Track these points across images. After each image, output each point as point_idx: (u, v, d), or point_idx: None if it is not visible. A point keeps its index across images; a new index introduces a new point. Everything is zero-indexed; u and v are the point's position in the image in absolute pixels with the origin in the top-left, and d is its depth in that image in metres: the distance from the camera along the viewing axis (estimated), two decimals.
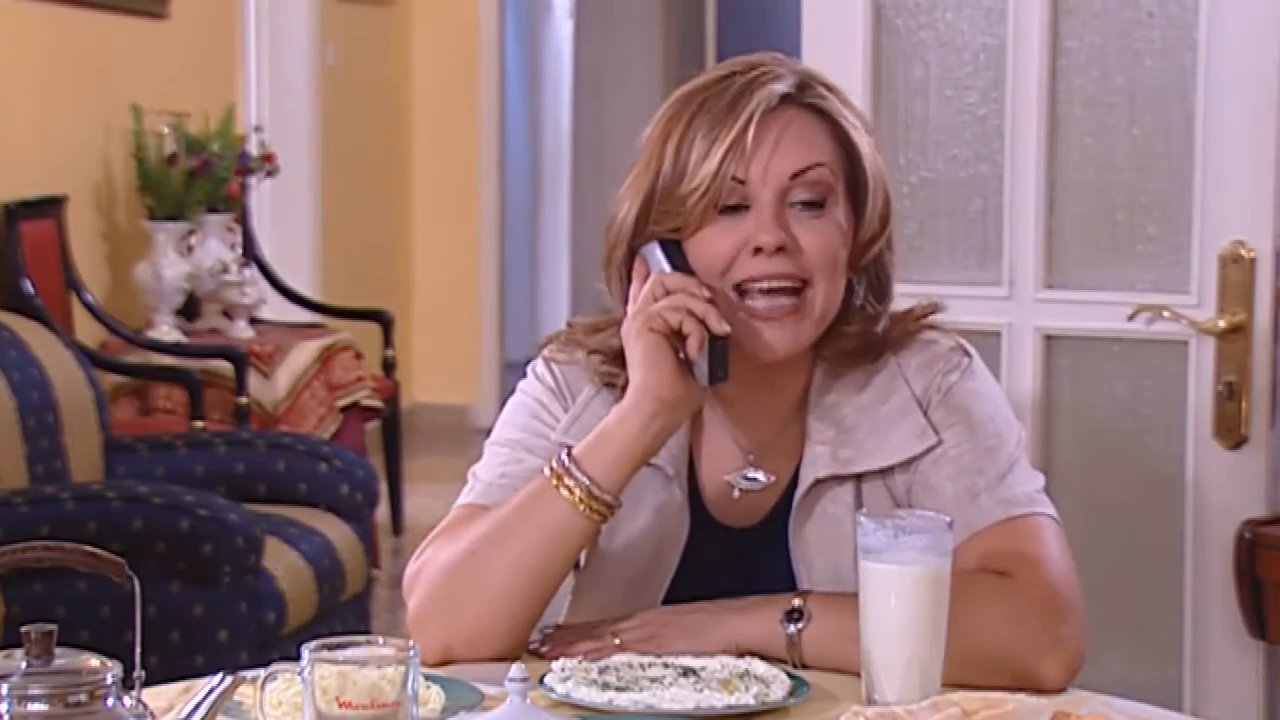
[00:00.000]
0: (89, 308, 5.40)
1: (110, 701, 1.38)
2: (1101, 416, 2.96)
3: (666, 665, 1.75)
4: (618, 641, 1.84)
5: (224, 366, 5.33)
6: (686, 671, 1.73)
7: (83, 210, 5.58)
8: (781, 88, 1.87)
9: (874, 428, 1.90)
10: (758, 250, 1.84)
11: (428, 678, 1.69)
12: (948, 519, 1.69)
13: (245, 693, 1.57)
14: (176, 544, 3.88)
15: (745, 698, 1.68)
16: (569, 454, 1.84)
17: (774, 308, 1.85)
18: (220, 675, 1.46)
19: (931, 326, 1.96)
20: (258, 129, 6.49)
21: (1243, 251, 2.79)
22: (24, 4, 5.36)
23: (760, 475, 1.93)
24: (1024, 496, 1.88)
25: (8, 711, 1.36)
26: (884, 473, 1.90)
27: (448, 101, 8.67)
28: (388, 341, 6.60)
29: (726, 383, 1.85)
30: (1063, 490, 2.90)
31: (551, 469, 1.84)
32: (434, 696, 1.67)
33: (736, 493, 1.94)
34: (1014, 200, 2.95)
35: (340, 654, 1.48)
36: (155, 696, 1.64)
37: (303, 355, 5.86)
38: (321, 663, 1.47)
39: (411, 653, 1.49)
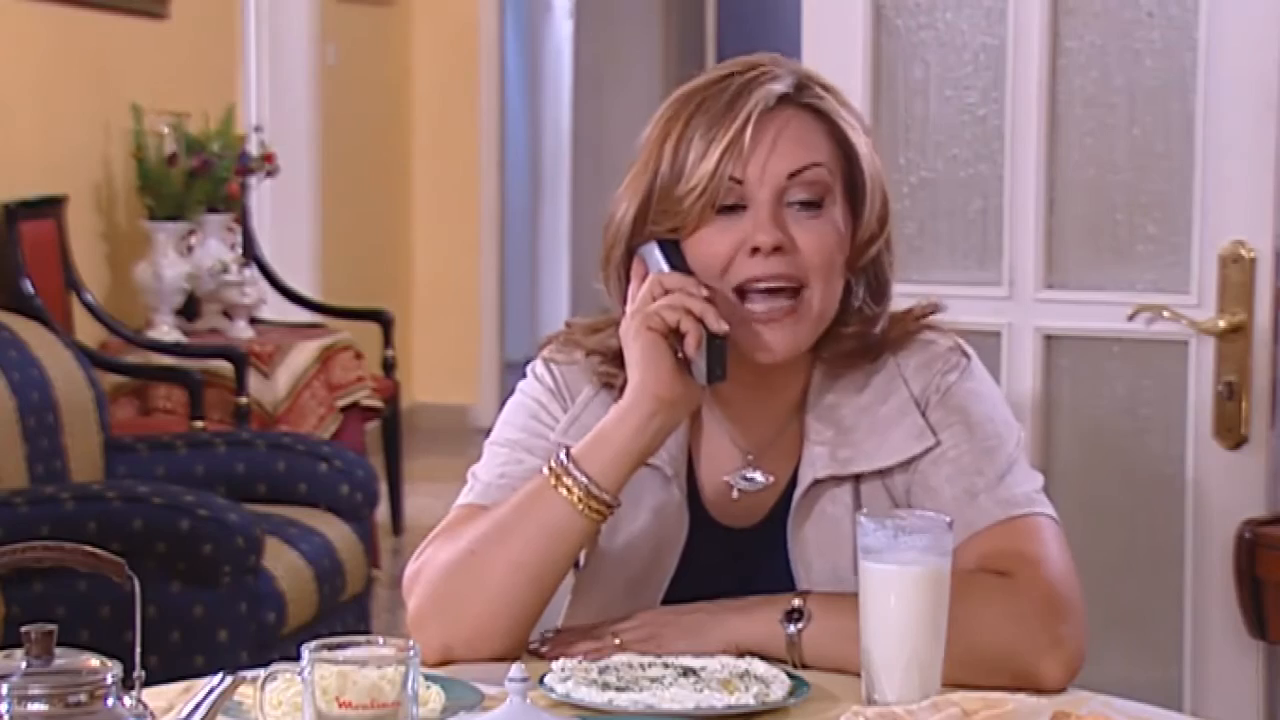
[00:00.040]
0: (89, 308, 5.40)
1: (110, 701, 1.38)
2: (1101, 416, 2.96)
3: (666, 665, 1.75)
4: (618, 642, 1.84)
5: (224, 366, 5.33)
6: (686, 671, 1.73)
7: (83, 210, 5.58)
8: (779, 88, 1.87)
9: (873, 428, 1.90)
10: (755, 250, 1.84)
11: (428, 678, 1.69)
12: (948, 519, 1.69)
13: (245, 693, 1.57)
14: (176, 544, 3.88)
15: (745, 698, 1.68)
16: (567, 453, 1.84)
17: (772, 309, 1.85)
18: (220, 675, 1.46)
19: (930, 327, 1.96)
20: (258, 129, 6.49)
21: (1243, 251, 2.79)
22: (24, 4, 5.36)
23: (759, 476, 1.93)
24: (1023, 496, 1.88)
25: (8, 711, 1.36)
26: (882, 473, 1.90)
27: (448, 101, 8.67)
28: (388, 341, 6.60)
29: (725, 383, 1.85)
30: (1063, 490, 2.90)
31: (550, 468, 1.84)
32: (434, 696, 1.67)
33: (735, 493, 1.94)
34: (1014, 200, 2.95)
35: (340, 654, 1.48)
36: (155, 696, 1.64)
37: (303, 355, 5.86)
38: (321, 663, 1.47)
39: (411, 653, 1.49)
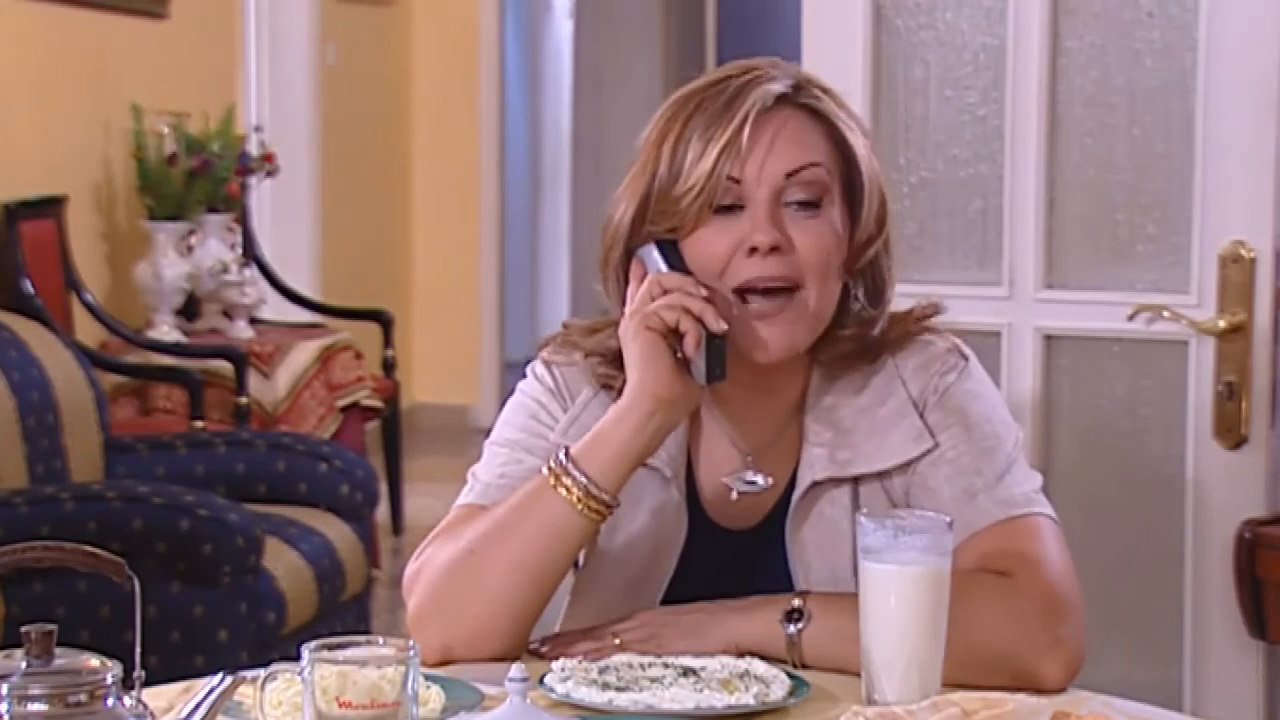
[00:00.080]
0: (89, 308, 5.40)
1: (110, 701, 1.38)
2: (1101, 416, 2.96)
3: (666, 665, 1.75)
4: (618, 642, 1.84)
5: (224, 366, 5.33)
6: (686, 671, 1.73)
7: (83, 210, 5.58)
8: (777, 88, 1.88)
9: (871, 430, 1.90)
10: (753, 250, 1.84)
11: (428, 678, 1.69)
12: (948, 519, 1.69)
13: (245, 693, 1.57)
14: (176, 544, 3.88)
15: (745, 698, 1.68)
16: (567, 453, 1.84)
17: (769, 307, 1.85)
18: (220, 675, 1.47)
19: (929, 328, 1.96)
20: (258, 129, 6.49)
21: (1243, 251, 2.79)
22: (24, 4, 5.36)
23: (758, 478, 1.93)
24: (1022, 497, 1.88)
25: (8, 711, 1.36)
26: (881, 475, 1.90)
27: (448, 101, 8.67)
28: (388, 341, 6.60)
29: (724, 384, 1.85)
30: (1063, 490, 2.90)
31: (549, 468, 1.84)
32: (434, 696, 1.67)
33: (734, 495, 1.94)
34: (1014, 200, 2.95)
35: (340, 654, 1.48)
36: (155, 696, 1.64)
37: (303, 355, 5.86)
38: (321, 663, 1.47)
39: (411, 653, 1.49)
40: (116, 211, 5.84)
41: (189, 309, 5.92)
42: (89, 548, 1.42)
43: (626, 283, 1.90)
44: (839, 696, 1.72)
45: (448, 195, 8.71)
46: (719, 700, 1.67)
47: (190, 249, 5.87)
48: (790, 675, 1.75)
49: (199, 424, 4.96)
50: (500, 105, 8.80)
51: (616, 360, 1.91)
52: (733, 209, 1.86)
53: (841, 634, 1.75)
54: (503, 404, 2.03)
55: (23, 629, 1.38)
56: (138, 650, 1.42)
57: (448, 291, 8.72)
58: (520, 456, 1.95)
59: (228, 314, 5.99)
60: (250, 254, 6.24)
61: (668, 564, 1.93)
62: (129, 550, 3.76)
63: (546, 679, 1.73)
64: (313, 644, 1.49)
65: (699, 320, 1.81)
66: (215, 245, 5.95)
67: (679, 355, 1.83)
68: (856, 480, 1.91)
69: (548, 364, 2.00)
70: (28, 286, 5.04)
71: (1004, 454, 1.90)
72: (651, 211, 1.88)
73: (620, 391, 1.87)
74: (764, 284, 1.85)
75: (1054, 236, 2.95)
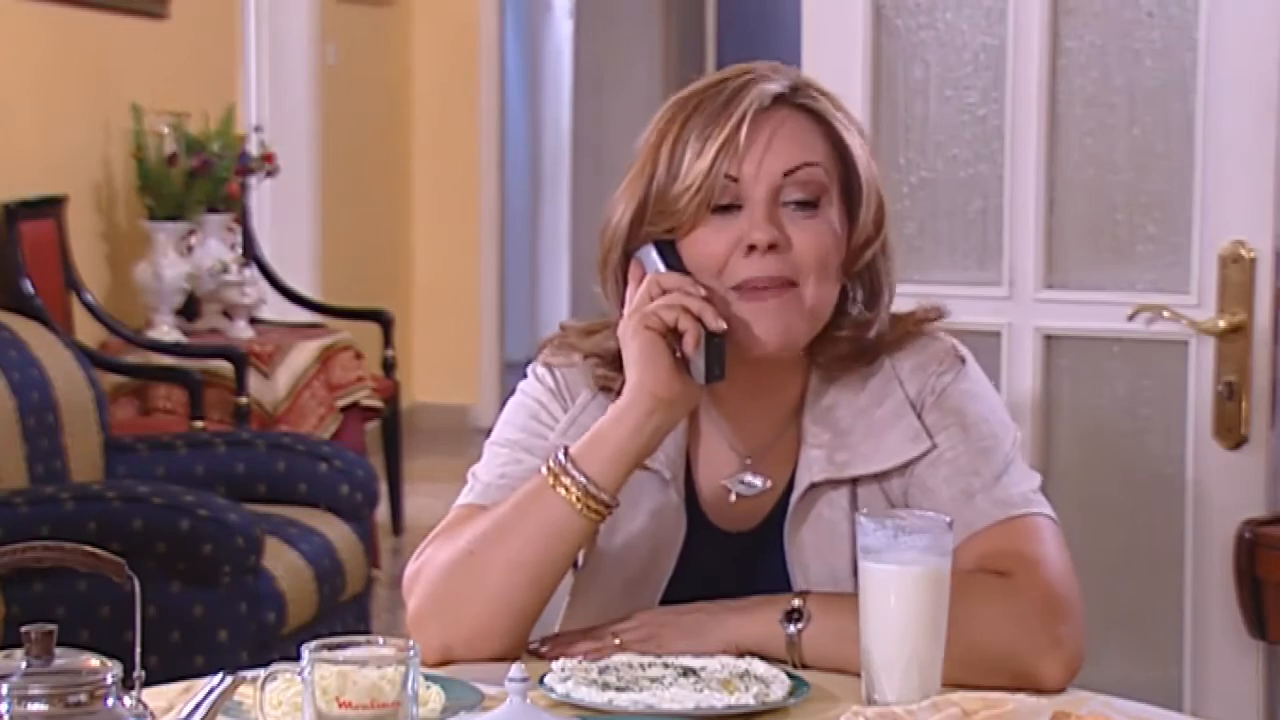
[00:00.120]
0: (89, 308, 5.40)
1: (110, 701, 1.38)
2: (1101, 416, 2.96)
3: (666, 665, 1.75)
4: (618, 642, 1.84)
5: (224, 366, 5.33)
6: (686, 671, 1.73)
7: (83, 210, 5.58)
8: (775, 88, 1.88)
9: (869, 431, 1.90)
10: (751, 248, 1.85)
11: (428, 678, 1.69)
12: (948, 519, 1.69)
13: (245, 693, 1.57)
14: (176, 544, 3.88)
15: (745, 698, 1.68)
16: (566, 453, 1.84)
17: (767, 301, 1.85)
18: (220, 675, 1.46)
19: (926, 329, 1.96)
20: (258, 129, 6.49)
21: (1243, 251, 2.79)
22: (24, 4, 5.36)
23: (756, 480, 1.93)
24: (1020, 497, 1.88)
25: (8, 711, 1.36)
26: (879, 477, 1.90)
27: (448, 101, 8.67)
28: (388, 341, 6.60)
29: (723, 386, 1.86)
30: (1063, 490, 2.90)
31: (549, 468, 1.84)
32: (434, 696, 1.67)
33: (733, 497, 1.94)
34: (1014, 200, 2.95)
35: (340, 654, 1.48)
36: (155, 696, 1.64)
37: (303, 355, 5.86)
38: (321, 663, 1.47)
39: (411, 653, 1.49)
40: (116, 211, 5.84)
41: (189, 309, 5.92)
42: (89, 548, 1.42)
43: (625, 284, 1.90)
44: (839, 696, 1.72)
45: (448, 195, 8.71)
46: (719, 700, 1.67)
47: (190, 249, 5.87)
48: (790, 675, 1.75)
49: (199, 424, 4.96)
50: (500, 105, 8.80)
51: (615, 362, 1.91)
52: (730, 208, 1.86)
53: (841, 634, 1.75)
54: (503, 404, 2.03)
55: (23, 629, 1.38)
56: (138, 650, 1.42)
57: (448, 291, 8.72)
58: (520, 457, 1.95)
59: (228, 314, 5.99)
60: (250, 254, 6.24)
61: (666, 565, 1.93)
62: (129, 550, 3.76)
63: (546, 679, 1.73)
64: (313, 644, 1.49)
65: (698, 319, 1.81)
66: (215, 245, 5.95)
67: (678, 355, 1.83)
68: (854, 482, 1.91)
69: (548, 365, 2.00)
70: (28, 286, 5.04)
71: (1002, 454, 1.90)
72: (650, 212, 1.88)
73: (619, 393, 1.87)
74: (762, 283, 1.85)
75: (1054, 236, 2.95)
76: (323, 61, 7.62)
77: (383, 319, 6.62)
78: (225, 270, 5.90)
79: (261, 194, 6.81)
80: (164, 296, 5.71)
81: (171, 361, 5.36)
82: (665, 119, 1.90)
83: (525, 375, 2.03)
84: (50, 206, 5.31)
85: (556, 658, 1.80)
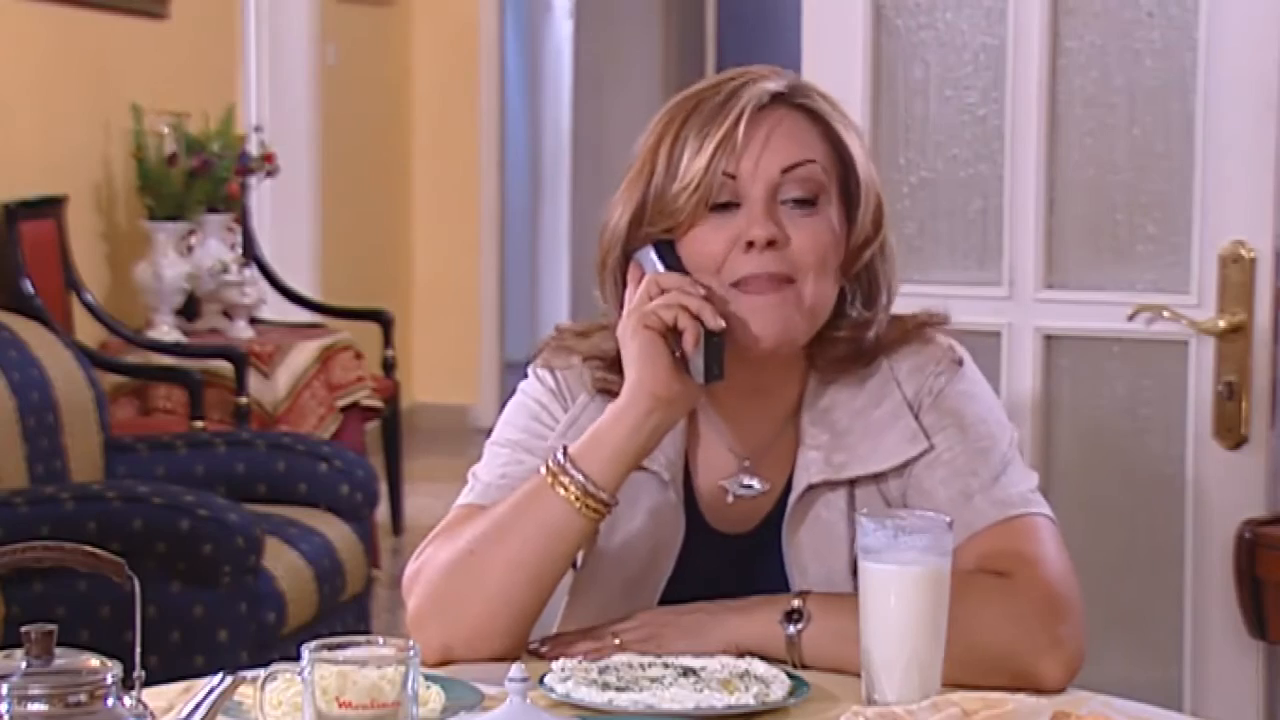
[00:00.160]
0: (89, 308, 5.40)
1: (110, 701, 1.38)
2: (1101, 416, 2.96)
3: (666, 665, 1.75)
4: (618, 642, 1.84)
5: (224, 366, 5.33)
6: (686, 671, 1.73)
7: (83, 210, 5.58)
8: (772, 86, 1.89)
9: (866, 432, 1.90)
10: (749, 245, 1.85)
11: (428, 678, 1.69)
12: (947, 519, 1.69)
13: (245, 693, 1.57)
14: (176, 544, 3.88)
15: (745, 698, 1.68)
16: (565, 452, 1.84)
17: (765, 297, 1.85)
18: (220, 675, 1.47)
19: (924, 331, 1.96)
20: (258, 129, 6.49)
21: (1243, 251, 2.79)
22: (24, 4, 5.36)
23: (755, 482, 1.93)
24: (1018, 497, 1.88)
25: (8, 711, 1.36)
26: (877, 478, 1.90)
27: (448, 101, 8.67)
28: (388, 341, 6.60)
29: (721, 388, 1.86)
30: (1063, 490, 2.90)
31: (547, 467, 1.84)
32: (434, 696, 1.67)
33: (730, 498, 1.94)
34: (1014, 200, 2.95)
35: (340, 654, 1.48)
36: (155, 696, 1.64)
37: (303, 355, 5.86)
38: (321, 663, 1.47)
39: (411, 653, 1.49)
40: (116, 211, 5.84)
41: (189, 309, 5.92)
42: (89, 548, 1.42)
43: (624, 286, 1.90)
44: (839, 696, 1.72)
45: (448, 195, 8.71)
46: (719, 700, 1.67)
47: (190, 249, 5.87)
48: (790, 675, 1.75)
49: (199, 424, 4.96)
50: (500, 105, 8.80)
51: (614, 364, 1.91)
52: (729, 206, 1.87)
53: (841, 634, 1.75)
54: (503, 404, 2.03)
55: (23, 629, 1.38)
56: (138, 650, 1.42)
57: (448, 291, 8.72)
58: (521, 457, 1.95)
59: (228, 314, 5.99)
60: (250, 254, 6.24)
61: (665, 566, 1.94)
62: (129, 550, 3.76)
63: (546, 679, 1.73)
64: (313, 644, 1.49)
65: (697, 318, 1.81)
66: (215, 245, 5.96)
67: (676, 355, 1.83)
68: (852, 483, 1.91)
69: (548, 365, 2.00)
70: (28, 286, 5.04)
71: (999, 454, 1.90)
72: (649, 212, 1.88)
73: (618, 394, 1.87)
74: (761, 279, 1.85)
75: (1054, 236, 2.95)
76: (323, 61, 7.62)
77: (383, 319, 6.62)
78: (225, 270, 5.90)
79: (261, 194, 6.81)
80: (164, 296, 5.71)
81: (171, 361, 5.36)
82: (663, 121, 1.90)
83: (525, 375, 2.03)
84: (50, 206, 5.31)
85: (556, 658, 1.80)
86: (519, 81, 10.14)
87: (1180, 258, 2.86)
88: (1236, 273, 2.80)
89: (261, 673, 1.53)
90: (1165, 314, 2.86)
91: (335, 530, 4.43)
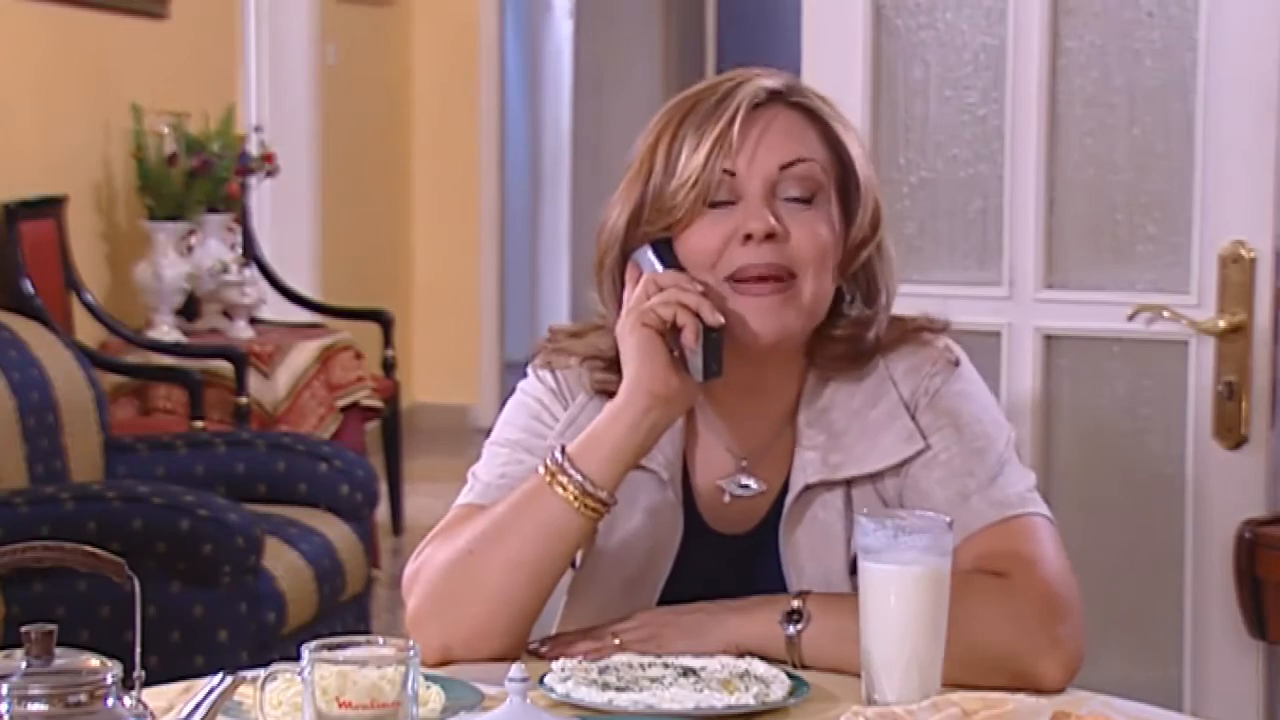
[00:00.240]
0: (89, 308, 5.40)
1: (110, 701, 1.38)
2: (1101, 416, 2.96)
3: (666, 665, 1.75)
4: (618, 642, 1.84)
5: (224, 366, 5.33)
6: (686, 671, 1.73)
7: (83, 210, 5.58)
8: (769, 84, 1.89)
9: (863, 432, 1.90)
10: (747, 238, 1.85)
11: (428, 678, 1.69)
12: (947, 519, 1.69)
13: (245, 693, 1.57)
14: (176, 544, 3.88)
15: (745, 698, 1.68)
16: (563, 451, 1.84)
17: (762, 293, 1.85)
18: (220, 675, 1.46)
19: (921, 333, 1.96)
20: (258, 129, 6.49)
21: (1243, 251, 2.79)
22: (24, 4, 5.36)
23: (751, 482, 1.93)
24: (1016, 497, 1.88)
25: (8, 711, 1.36)
26: (873, 478, 1.90)
27: (448, 101, 8.67)
28: (388, 341, 6.60)
29: (719, 388, 1.86)
30: (1063, 490, 2.90)
31: (546, 466, 1.84)
32: (434, 696, 1.67)
33: (727, 498, 1.94)
34: (1014, 200, 2.95)
35: (340, 654, 1.48)
36: (155, 696, 1.64)
37: (303, 355, 5.86)
38: (321, 663, 1.47)
39: (411, 653, 1.49)
40: (116, 211, 5.84)
41: (189, 309, 5.92)
42: (89, 548, 1.42)
43: (622, 286, 1.90)
44: (839, 696, 1.72)
45: (448, 195, 8.71)
46: (719, 700, 1.67)
47: (190, 249, 5.87)
48: (790, 675, 1.75)
49: (199, 424, 4.96)
50: (500, 105, 8.80)
51: (612, 364, 1.91)
52: (727, 204, 1.87)
53: (841, 634, 1.75)
54: (503, 404, 2.03)
55: (23, 629, 1.38)
56: (138, 650, 1.42)
57: (448, 291, 8.72)
58: (521, 457, 1.95)
59: (228, 314, 5.99)
60: (250, 254, 6.24)
61: (663, 566, 1.94)
62: (129, 550, 3.76)
63: (546, 679, 1.73)
64: (313, 644, 1.49)
65: (695, 314, 1.81)
66: (215, 245, 5.96)
67: (675, 353, 1.83)
68: (849, 483, 1.91)
69: (548, 365, 2.00)
70: (28, 286, 5.04)
71: (996, 454, 1.90)
72: (647, 211, 1.89)
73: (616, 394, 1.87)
74: (758, 271, 1.85)
75: (1054, 236, 2.95)
76: (323, 61, 7.62)
77: (383, 319, 6.62)
78: (225, 270, 5.90)
79: (261, 194, 6.81)
80: (164, 296, 5.71)
81: (171, 361, 5.36)
82: (661, 121, 1.91)
83: (525, 375, 2.03)
84: (50, 206, 5.31)
85: (556, 658, 1.80)
86: (519, 81, 10.14)
87: (1180, 258, 2.86)
88: (1236, 273, 2.80)
89: (261, 673, 1.53)
90: (1165, 314, 2.86)
91: (335, 530, 4.43)
